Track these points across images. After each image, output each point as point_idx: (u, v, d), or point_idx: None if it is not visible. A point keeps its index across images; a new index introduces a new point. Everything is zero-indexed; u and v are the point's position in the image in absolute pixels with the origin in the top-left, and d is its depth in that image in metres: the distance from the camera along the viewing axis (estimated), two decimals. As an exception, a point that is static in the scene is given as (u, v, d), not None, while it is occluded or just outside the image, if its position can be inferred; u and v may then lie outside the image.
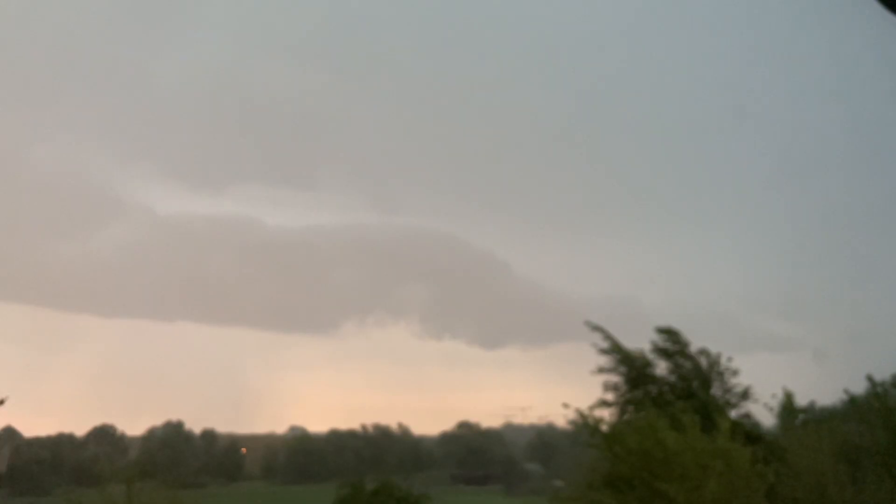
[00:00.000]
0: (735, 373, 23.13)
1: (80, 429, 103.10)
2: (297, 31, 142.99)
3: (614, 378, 22.86)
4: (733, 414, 22.39)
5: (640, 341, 23.28)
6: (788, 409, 23.98)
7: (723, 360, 23.31)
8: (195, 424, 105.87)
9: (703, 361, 23.15)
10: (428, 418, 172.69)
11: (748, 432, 20.63)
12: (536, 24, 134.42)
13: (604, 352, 22.88)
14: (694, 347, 23.32)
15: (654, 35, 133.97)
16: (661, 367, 23.17)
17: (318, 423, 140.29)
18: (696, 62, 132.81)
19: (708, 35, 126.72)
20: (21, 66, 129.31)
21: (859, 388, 21.83)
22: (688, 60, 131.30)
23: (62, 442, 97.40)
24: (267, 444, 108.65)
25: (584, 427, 18.46)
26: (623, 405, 22.40)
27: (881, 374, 21.25)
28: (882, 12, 4.20)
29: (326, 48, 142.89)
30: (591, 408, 19.92)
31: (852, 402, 21.72)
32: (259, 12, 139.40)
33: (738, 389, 23.06)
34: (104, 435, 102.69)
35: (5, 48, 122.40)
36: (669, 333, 23.38)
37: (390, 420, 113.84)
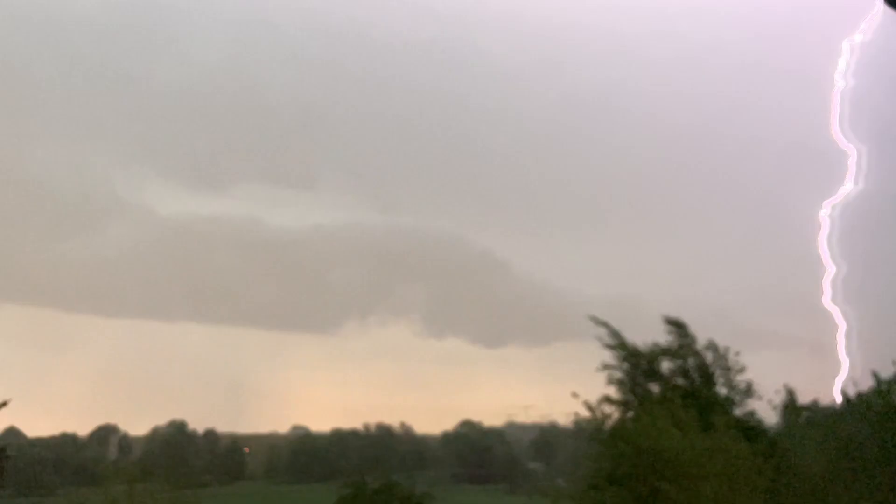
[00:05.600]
0: (742, 370, 23.01)
1: (83, 429, 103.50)
2: (299, 33, 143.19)
3: (618, 374, 22.80)
4: (737, 411, 22.31)
5: (640, 339, 23.24)
6: (791, 406, 23.91)
7: (730, 356, 23.16)
8: (198, 424, 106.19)
9: (710, 356, 23.02)
10: (430, 417, 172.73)
11: (750, 429, 20.59)
12: (537, 25, 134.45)
13: (609, 347, 22.80)
14: (699, 343, 23.21)
15: (654, 36, 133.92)
16: (666, 364, 23.08)
17: (320, 423, 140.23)
18: (696, 61, 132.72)
19: (706, 33, 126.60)
20: (23, 67, 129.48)
21: (860, 386, 21.77)
22: (687, 59, 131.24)
23: (65, 442, 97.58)
24: (269, 444, 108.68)
25: (592, 420, 18.40)
26: (626, 402, 22.31)
27: (885, 371, 21.16)
28: (882, 9, 4.17)
29: (327, 50, 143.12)
30: (599, 403, 19.88)
31: (848, 403, 21.66)
32: (260, 14, 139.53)
33: (742, 386, 22.95)
34: (107, 435, 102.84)
35: (6, 49, 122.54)
36: (678, 326, 23.30)
37: (392, 419, 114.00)
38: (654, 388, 22.56)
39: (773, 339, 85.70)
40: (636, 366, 22.81)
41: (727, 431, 17.22)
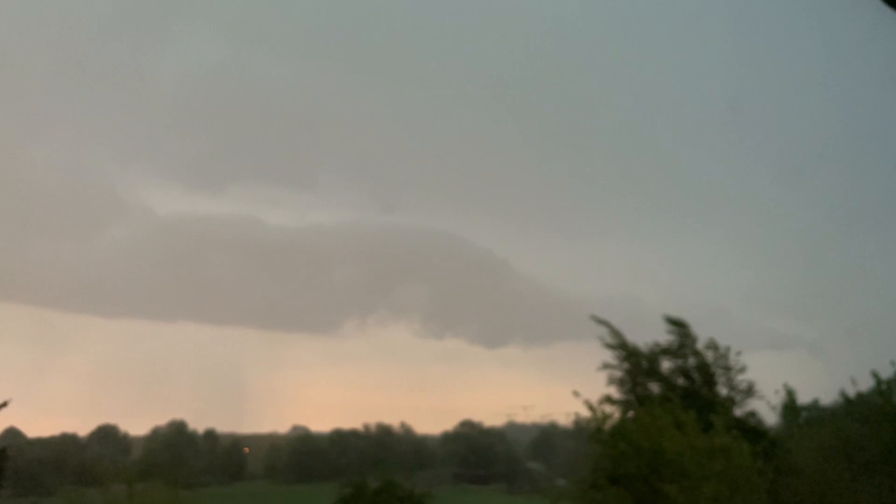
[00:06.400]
0: (742, 369, 23.01)
1: (83, 429, 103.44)
2: (298, 31, 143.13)
3: (618, 373, 22.81)
4: (738, 411, 22.31)
5: (640, 339, 23.25)
6: (791, 406, 23.92)
7: (731, 355, 23.14)
8: (198, 424, 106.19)
9: (710, 355, 23.02)
10: (430, 417, 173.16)
11: (751, 429, 20.59)
12: (536, 23, 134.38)
13: (610, 346, 22.81)
14: (700, 343, 23.21)
15: (653, 34, 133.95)
16: (666, 364, 23.08)
17: (320, 423, 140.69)
18: (696, 61, 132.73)
19: (707, 33, 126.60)
20: (21, 66, 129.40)
21: (860, 385, 21.76)
22: (687, 59, 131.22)
23: (65, 442, 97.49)
24: (270, 444, 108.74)
25: (593, 419, 18.41)
26: (627, 402, 22.33)
27: (884, 371, 21.14)
28: (882, 8, 4.16)
29: (326, 48, 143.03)
30: (600, 402, 19.91)
31: (848, 402, 21.64)
32: (259, 12, 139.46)
33: (743, 386, 22.94)
34: (107, 435, 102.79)
35: (5, 48, 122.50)
36: (679, 325, 23.30)
37: (393, 419, 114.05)
38: (655, 388, 22.58)
39: (773, 339, 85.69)
40: (637, 365, 22.84)
41: (728, 432, 17.22)
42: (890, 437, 19.45)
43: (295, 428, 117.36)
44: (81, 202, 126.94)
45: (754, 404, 22.91)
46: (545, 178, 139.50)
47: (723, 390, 22.79)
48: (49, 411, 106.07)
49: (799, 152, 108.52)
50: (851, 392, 22.18)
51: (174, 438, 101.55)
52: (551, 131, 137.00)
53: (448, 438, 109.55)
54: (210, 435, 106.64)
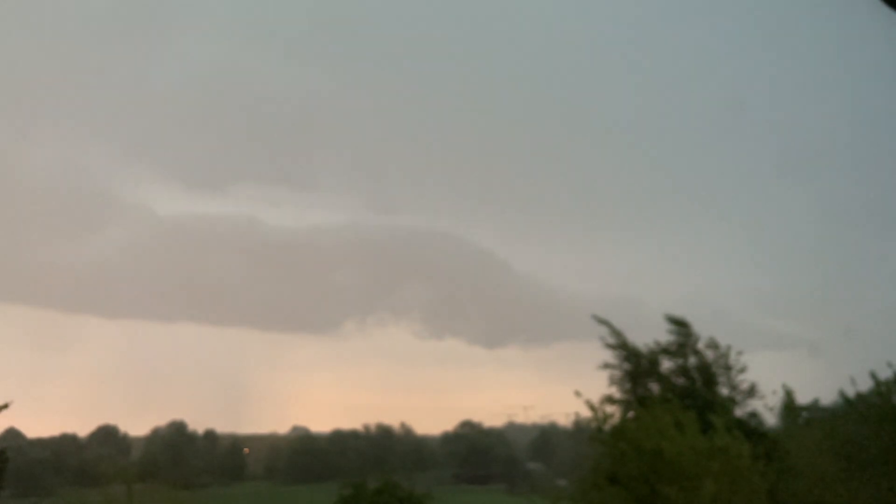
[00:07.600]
0: (743, 369, 22.95)
1: (83, 429, 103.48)
2: (298, 31, 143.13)
3: (618, 374, 22.76)
4: (738, 412, 22.26)
5: (640, 339, 23.21)
6: (789, 407, 23.86)
7: (732, 355, 23.07)
8: (197, 425, 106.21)
9: (710, 355, 22.95)
10: (430, 418, 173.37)
11: (752, 430, 20.55)
12: (535, 23, 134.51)
13: (610, 346, 22.75)
14: (701, 342, 23.15)
15: (654, 35, 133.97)
16: (667, 364, 23.04)
17: (320, 423, 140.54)
18: (696, 61, 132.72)
19: (707, 34, 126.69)
20: (21, 66, 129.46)
21: (859, 386, 21.74)
22: (687, 59, 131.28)
23: (65, 443, 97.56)
24: (269, 445, 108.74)
25: (594, 420, 18.37)
26: (627, 402, 22.29)
27: (881, 372, 21.12)
28: (882, 8, 4.18)
29: (326, 48, 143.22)
30: (601, 402, 19.86)
31: (847, 402, 21.60)
32: (259, 13, 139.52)
33: (745, 386, 22.89)
34: (107, 436, 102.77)
35: (5, 49, 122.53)
36: (681, 324, 23.25)
37: (392, 420, 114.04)
38: (655, 388, 22.54)
39: (773, 339, 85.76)
40: (637, 365, 22.80)
41: (728, 432, 17.18)
42: (889, 437, 19.45)
43: (295, 428, 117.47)
44: (81, 202, 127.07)
45: (754, 404, 22.87)
46: (545, 178, 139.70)
47: (723, 390, 22.73)
48: (49, 412, 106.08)
49: (799, 152, 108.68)
50: (851, 392, 22.14)
51: (174, 439, 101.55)
52: (552, 132, 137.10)
53: (448, 439, 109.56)
54: (210, 435, 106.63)
